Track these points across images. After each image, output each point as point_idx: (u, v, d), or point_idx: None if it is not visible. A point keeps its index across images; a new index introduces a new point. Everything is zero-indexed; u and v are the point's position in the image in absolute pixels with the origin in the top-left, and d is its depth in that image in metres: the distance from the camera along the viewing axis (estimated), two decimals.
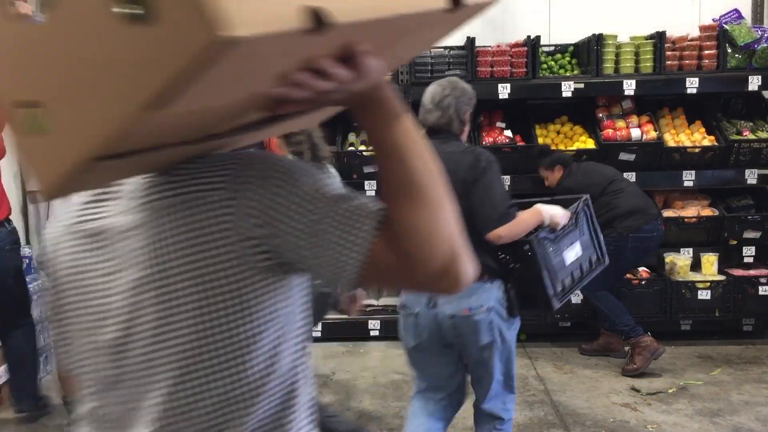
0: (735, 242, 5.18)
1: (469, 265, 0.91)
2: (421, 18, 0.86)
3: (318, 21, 0.69)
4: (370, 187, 5.07)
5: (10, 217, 3.78)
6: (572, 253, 2.74)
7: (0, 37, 0.77)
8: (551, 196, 3.55)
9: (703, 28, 5.18)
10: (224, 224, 0.89)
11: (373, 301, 5.45)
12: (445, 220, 0.89)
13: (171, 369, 0.93)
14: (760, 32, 5.08)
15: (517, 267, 2.55)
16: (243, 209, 0.89)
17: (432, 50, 5.18)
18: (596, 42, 5.03)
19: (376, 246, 0.87)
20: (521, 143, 5.18)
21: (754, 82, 4.98)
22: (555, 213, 2.63)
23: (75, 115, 0.74)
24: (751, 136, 5.11)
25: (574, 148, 5.09)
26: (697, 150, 5.00)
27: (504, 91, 5.01)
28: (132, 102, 0.69)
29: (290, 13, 0.67)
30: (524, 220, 2.53)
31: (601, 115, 5.31)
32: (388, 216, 0.89)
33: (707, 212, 5.16)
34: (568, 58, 5.32)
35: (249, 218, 0.89)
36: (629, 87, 5.00)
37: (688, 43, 5.10)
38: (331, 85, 0.82)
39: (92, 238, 0.98)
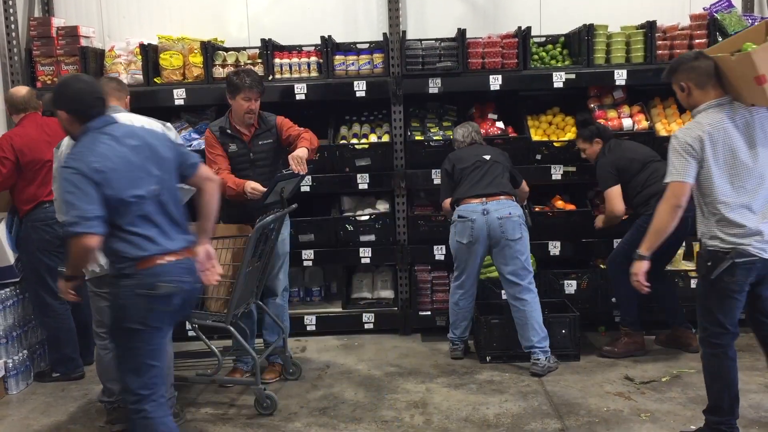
0: None
1: None
2: None
3: None
4: (362, 180, 5.07)
5: None
6: None
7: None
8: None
9: (693, 17, 5.18)
10: None
11: (368, 295, 5.44)
12: None
13: None
14: (750, 20, 5.07)
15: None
16: None
17: (423, 42, 5.17)
18: (587, 32, 5.03)
19: None
20: (513, 134, 5.18)
21: None
22: None
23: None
24: None
25: (566, 138, 5.10)
26: None
27: (495, 82, 5.01)
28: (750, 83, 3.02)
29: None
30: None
31: (592, 105, 5.31)
32: None
33: None
34: (559, 49, 5.31)
35: None
36: (620, 77, 5.00)
37: (679, 32, 5.10)
38: None
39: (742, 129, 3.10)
